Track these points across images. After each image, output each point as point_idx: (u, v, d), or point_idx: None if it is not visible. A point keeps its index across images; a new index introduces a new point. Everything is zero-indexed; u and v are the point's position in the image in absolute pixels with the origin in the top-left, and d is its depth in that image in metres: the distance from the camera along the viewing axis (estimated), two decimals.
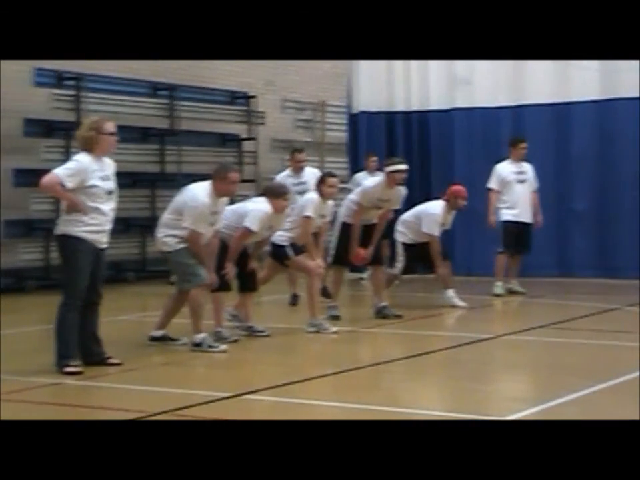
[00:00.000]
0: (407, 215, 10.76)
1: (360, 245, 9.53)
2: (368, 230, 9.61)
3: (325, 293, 9.65)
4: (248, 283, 8.64)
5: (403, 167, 9.63)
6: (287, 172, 11.12)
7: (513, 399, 6.43)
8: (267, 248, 9.05)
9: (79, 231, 6.91)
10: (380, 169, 12.80)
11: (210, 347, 7.78)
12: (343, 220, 9.69)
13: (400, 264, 10.67)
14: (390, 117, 14.38)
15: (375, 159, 13.34)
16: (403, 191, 9.72)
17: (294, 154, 11.21)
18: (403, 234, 10.68)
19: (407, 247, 10.62)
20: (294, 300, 10.73)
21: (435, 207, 10.60)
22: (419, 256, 10.62)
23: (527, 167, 11.84)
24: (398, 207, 9.99)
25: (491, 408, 6.05)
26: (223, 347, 7.86)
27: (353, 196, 9.78)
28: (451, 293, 10.60)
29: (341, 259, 9.70)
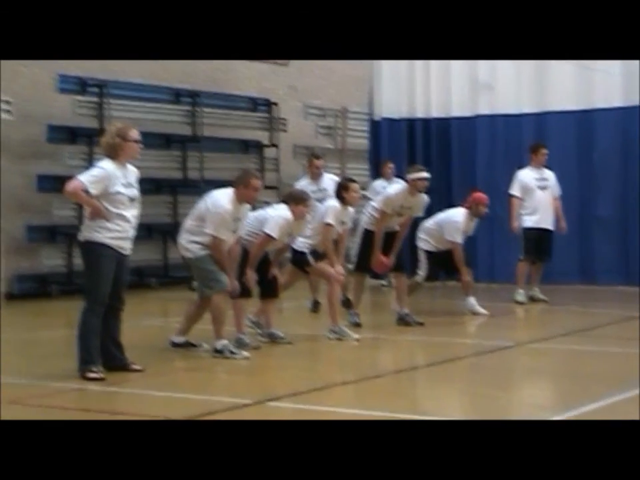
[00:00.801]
0: (429, 223, 10.73)
1: (382, 252, 9.51)
2: (390, 237, 9.59)
3: (346, 303, 9.61)
4: (269, 290, 8.63)
5: (425, 174, 9.62)
6: (306, 179, 11.09)
7: (536, 406, 6.39)
8: (288, 254, 9.05)
9: (102, 237, 6.93)
10: (397, 175, 12.81)
11: (231, 353, 7.78)
12: (365, 227, 9.68)
13: (422, 271, 10.64)
14: (412, 124, 14.35)
15: (391, 165, 13.35)
16: (425, 198, 9.70)
17: (312, 160, 11.19)
18: (425, 241, 10.65)
19: (429, 254, 10.59)
20: (315, 306, 10.72)
21: (457, 215, 10.57)
22: (442, 263, 10.59)
23: (549, 174, 11.78)
24: (420, 214, 9.97)
25: (514, 416, 6.00)
26: (245, 353, 7.85)
27: (374, 203, 9.77)
28: (472, 300, 10.56)
29: (363, 266, 9.68)
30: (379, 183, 13.24)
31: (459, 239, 10.42)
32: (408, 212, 9.65)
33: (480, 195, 10.67)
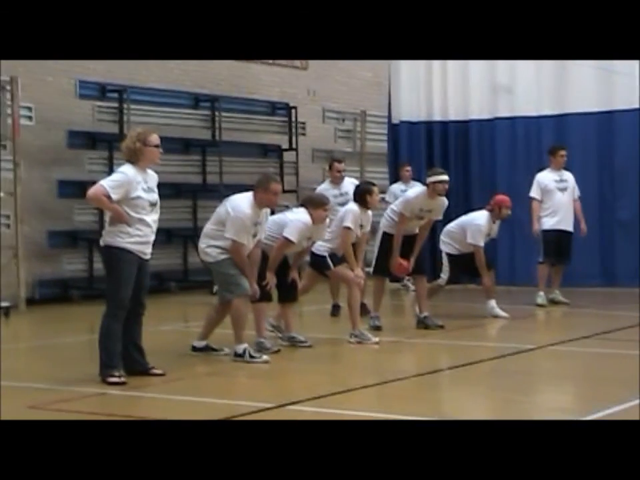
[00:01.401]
0: (451, 226, 10.71)
1: (401, 255, 9.50)
2: (409, 240, 9.59)
3: (363, 309, 9.59)
4: (288, 294, 8.65)
5: (445, 177, 9.60)
6: (327, 184, 11.08)
7: (558, 409, 6.36)
8: (307, 258, 9.06)
9: (123, 242, 6.96)
10: (415, 178, 12.80)
11: (252, 357, 7.79)
12: (384, 230, 9.68)
13: (445, 274, 10.62)
14: (430, 127, 14.34)
15: (408, 168, 13.36)
16: (445, 201, 9.68)
17: (333, 164, 11.19)
18: (447, 244, 10.64)
19: (452, 257, 10.57)
20: (335, 310, 10.72)
21: (480, 218, 10.55)
22: (464, 266, 10.57)
23: (568, 175, 11.75)
24: (440, 217, 9.94)
25: (536, 419, 5.98)
26: (265, 357, 7.87)
27: (394, 206, 9.77)
28: (493, 303, 10.54)
29: (382, 269, 9.68)
30: (396, 186, 13.24)
31: (480, 242, 10.40)
32: (428, 215, 9.63)
33: (503, 198, 10.66)
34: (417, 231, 9.69)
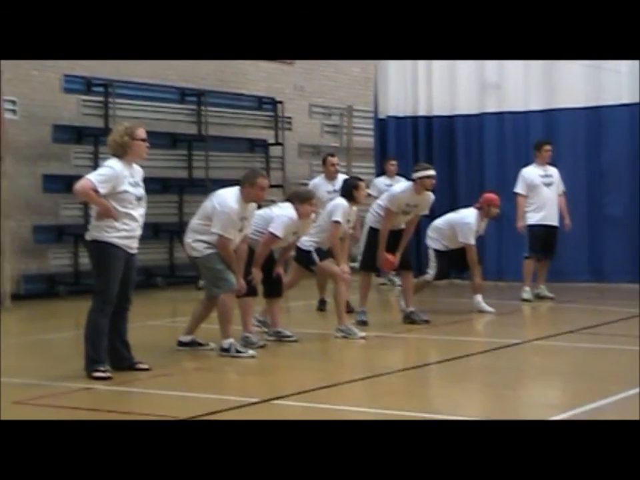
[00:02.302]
0: (439, 222, 10.71)
1: (388, 250, 9.51)
2: (396, 236, 9.60)
3: (347, 308, 9.59)
4: (273, 289, 8.66)
5: (432, 172, 9.62)
6: (321, 179, 11.03)
7: (544, 404, 6.40)
8: (293, 253, 9.06)
9: (110, 236, 6.95)
10: (399, 173, 12.81)
11: (238, 352, 7.80)
12: (370, 225, 9.69)
13: (432, 270, 10.63)
14: (416, 122, 14.33)
15: (394, 162, 13.36)
16: (431, 196, 9.70)
17: (328, 158, 11.11)
18: (435, 240, 10.64)
19: (439, 253, 10.59)
20: (322, 305, 10.73)
21: (469, 216, 10.56)
22: (452, 262, 10.60)
23: (553, 170, 11.79)
24: (426, 212, 9.96)
25: (523, 414, 6.01)
26: (251, 352, 7.87)
27: (380, 201, 9.78)
28: (479, 298, 10.57)
29: (369, 264, 9.70)
30: (381, 180, 13.24)
31: (472, 240, 10.43)
32: (414, 210, 9.65)
33: (492, 196, 10.69)
34: (403, 226, 9.71)
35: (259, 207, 8.42)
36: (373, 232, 9.63)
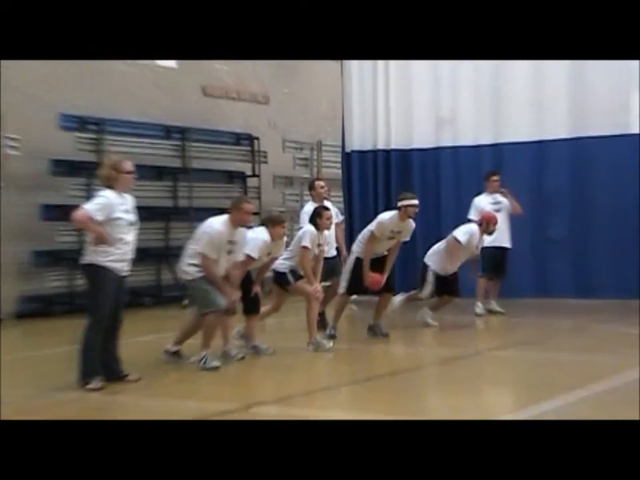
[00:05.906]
0: (440, 244, 10.82)
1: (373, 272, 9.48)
2: (380, 261, 9.59)
3: (322, 321, 9.59)
4: (251, 306, 8.71)
5: (415, 201, 9.66)
6: (311, 204, 10.50)
7: (490, 408, 6.47)
8: (269, 274, 9.11)
9: (104, 260, 7.00)
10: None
11: (204, 364, 7.79)
12: (357, 255, 9.62)
13: (427, 290, 10.67)
14: (377, 155, 14.36)
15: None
16: (412, 224, 9.70)
17: (315, 183, 10.61)
18: (436, 263, 10.70)
19: (439, 277, 10.65)
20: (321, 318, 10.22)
21: (472, 225, 10.84)
22: (445, 286, 10.67)
23: (502, 198, 11.97)
24: (408, 238, 9.87)
25: (468, 417, 6.08)
26: (215, 363, 7.83)
27: (366, 230, 9.75)
28: (428, 311, 10.65)
29: (355, 287, 9.62)
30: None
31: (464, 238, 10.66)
32: (397, 236, 9.67)
33: (490, 215, 11.01)
34: (386, 252, 9.73)
35: None
36: (360, 262, 9.55)
